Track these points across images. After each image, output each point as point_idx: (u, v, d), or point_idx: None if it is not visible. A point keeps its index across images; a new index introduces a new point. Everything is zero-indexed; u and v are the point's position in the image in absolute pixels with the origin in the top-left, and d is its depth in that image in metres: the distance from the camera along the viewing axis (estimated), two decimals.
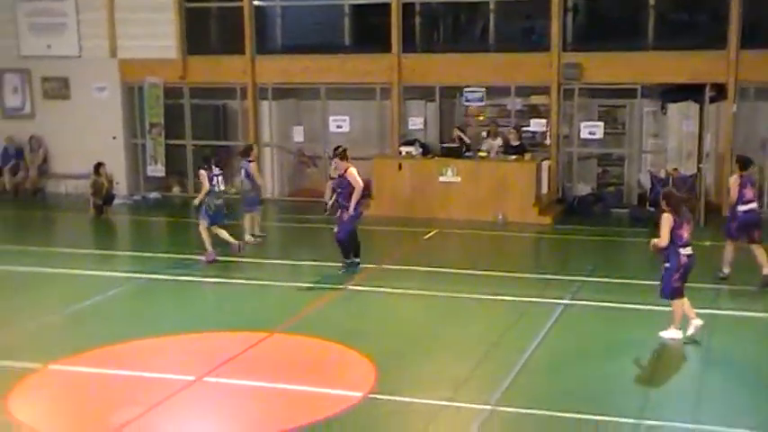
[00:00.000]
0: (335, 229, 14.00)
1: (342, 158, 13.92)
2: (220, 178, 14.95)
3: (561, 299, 12.41)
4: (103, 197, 19.33)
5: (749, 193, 13.00)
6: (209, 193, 14.68)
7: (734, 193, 13.00)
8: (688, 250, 10.51)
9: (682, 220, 10.44)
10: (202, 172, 14.89)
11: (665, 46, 18.65)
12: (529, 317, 11.76)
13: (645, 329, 11.20)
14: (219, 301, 12.91)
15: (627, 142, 19.79)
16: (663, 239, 10.39)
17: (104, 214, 19.18)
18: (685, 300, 10.69)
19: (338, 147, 14.45)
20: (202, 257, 14.66)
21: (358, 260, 14.04)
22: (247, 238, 15.97)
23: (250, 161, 16.23)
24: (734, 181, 13.07)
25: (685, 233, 10.47)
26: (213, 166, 14.90)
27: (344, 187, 13.82)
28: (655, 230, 16.98)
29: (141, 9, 20.84)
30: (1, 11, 21.80)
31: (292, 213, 19.45)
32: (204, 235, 14.73)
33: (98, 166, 19.47)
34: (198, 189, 15.70)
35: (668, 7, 19.48)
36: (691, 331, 10.58)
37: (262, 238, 16.37)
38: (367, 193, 14.28)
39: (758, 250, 12.93)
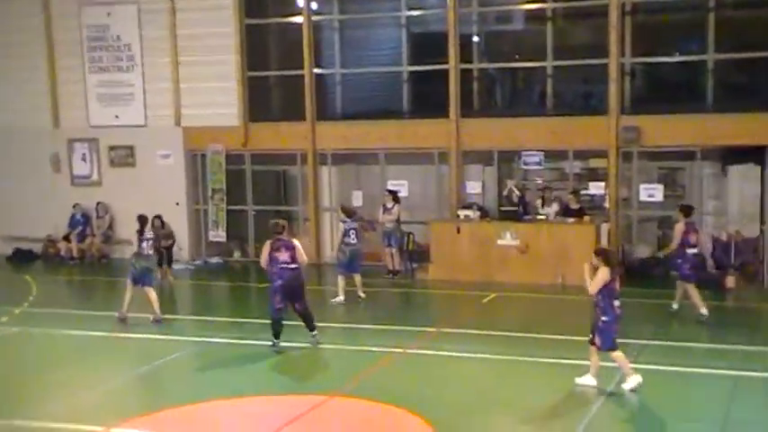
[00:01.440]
0: None
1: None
2: (151, 242, 15.56)
3: None
4: (161, 246, 19.52)
5: (693, 237, 14.78)
6: (137, 254, 15.42)
7: (678, 239, 14.69)
8: (618, 302, 11.09)
9: (615, 275, 11.06)
10: (137, 234, 15.69)
11: (725, 108, 18.53)
12: None
13: (709, 392, 11.05)
14: (278, 365, 12.99)
15: None
16: (593, 287, 10.99)
17: (166, 273, 19.42)
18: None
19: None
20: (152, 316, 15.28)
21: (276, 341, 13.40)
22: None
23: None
24: (679, 228, 14.82)
25: (617, 286, 11.10)
26: (147, 230, 15.64)
27: None
28: (718, 293, 16.95)
29: (205, 79, 21.40)
30: (73, 83, 22.60)
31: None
32: (128, 294, 15.33)
33: (154, 218, 19.73)
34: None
35: (728, 70, 19.44)
36: (586, 381, 11.21)
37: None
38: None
39: (693, 290, 14.74)
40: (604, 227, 18.71)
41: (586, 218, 18.41)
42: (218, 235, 22.02)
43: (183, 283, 19.93)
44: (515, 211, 18.78)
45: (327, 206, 21.51)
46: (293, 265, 12.98)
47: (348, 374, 12.05)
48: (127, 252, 21.90)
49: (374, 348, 13.43)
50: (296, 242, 13.17)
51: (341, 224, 17.07)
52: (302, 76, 20.99)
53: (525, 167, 20.08)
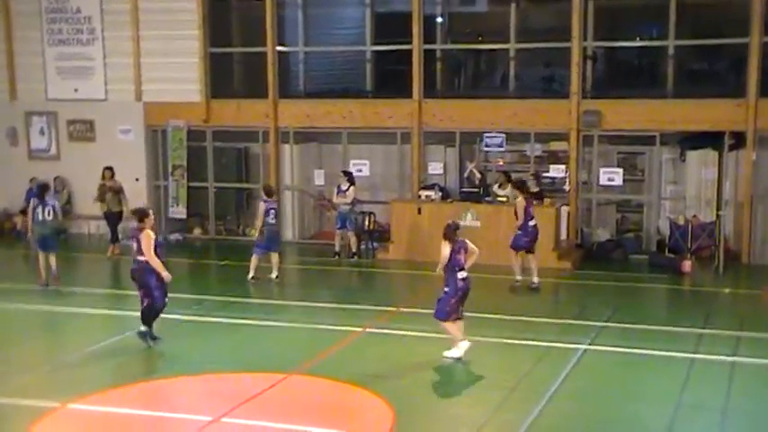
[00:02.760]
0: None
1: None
2: (48, 209, 15.80)
3: (580, 344, 12.34)
4: (109, 210, 19.39)
5: (532, 210, 15.92)
6: (34, 221, 15.78)
7: (521, 214, 15.85)
8: (463, 274, 11.66)
9: (458, 247, 11.63)
10: (34, 199, 16.02)
11: (684, 94, 18.66)
12: (548, 361, 11.69)
13: (664, 375, 11.14)
14: (238, 342, 12.90)
15: (646, 189, 19.76)
16: (440, 265, 11.61)
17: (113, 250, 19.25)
18: (460, 322, 11.73)
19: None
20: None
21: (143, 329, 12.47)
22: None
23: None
24: (521, 202, 15.90)
25: (462, 258, 11.62)
26: (45, 198, 15.93)
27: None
28: (675, 277, 17.12)
29: (166, 54, 21.08)
30: (31, 55, 22.14)
31: (311, 256, 19.48)
32: (39, 261, 15.89)
33: (105, 169, 19.73)
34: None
35: (688, 56, 19.56)
36: (458, 353, 11.62)
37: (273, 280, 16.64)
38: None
39: (534, 261, 15.94)
40: (564, 210, 18.80)
41: (547, 200, 18.44)
42: (179, 211, 21.78)
43: None
44: (476, 193, 18.74)
45: (289, 184, 21.35)
46: (139, 257, 12.30)
47: (308, 353, 11.98)
48: (84, 227, 21.82)
49: (334, 327, 13.36)
50: (145, 233, 12.26)
51: (261, 204, 16.58)
52: (265, 53, 20.75)
53: (487, 149, 20.06)
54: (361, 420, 9.78)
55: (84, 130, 22.14)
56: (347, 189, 18.71)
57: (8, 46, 22.29)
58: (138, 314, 12.47)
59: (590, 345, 12.38)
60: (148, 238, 12.24)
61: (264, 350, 12.45)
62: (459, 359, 11.57)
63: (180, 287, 15.96)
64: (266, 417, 9.73)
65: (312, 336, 13.04)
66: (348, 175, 19.01)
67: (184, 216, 21.80)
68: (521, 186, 16.36)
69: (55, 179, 21.96)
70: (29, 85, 22.36)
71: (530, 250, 16.04)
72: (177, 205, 21.75)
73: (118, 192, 19.62)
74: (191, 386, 10.91)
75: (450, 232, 11.78)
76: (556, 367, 11.28)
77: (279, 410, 9.98)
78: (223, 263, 18.98)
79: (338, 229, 18.95)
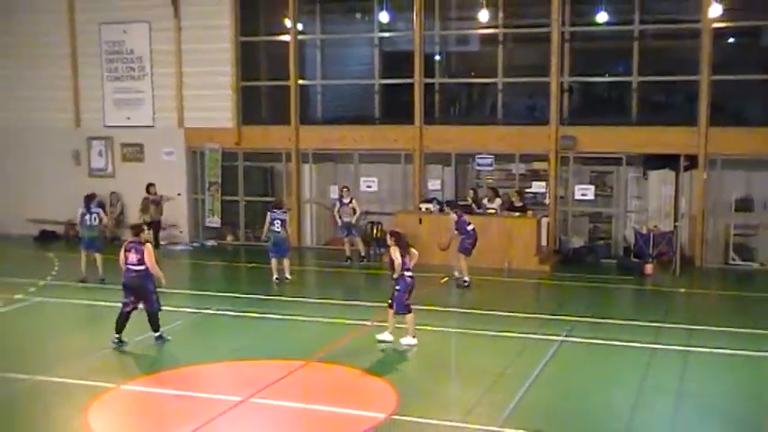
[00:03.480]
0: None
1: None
2: (94, 215, 16.24)
3: (558, 336, 12.32)
4: (151, 219, 19.46)
5: (467, 219, 16.00)
6: (82, 225, 16.35)
7: (451, 227, 15.90)
8: (410, 273, 11.80)
9: (405, 252, 11.72)
10: (81, 208, 16.37)
11: (646, 122, 18.69)
12: (530, 351, 11.68)
13: (629, 362, 11.14)
14: (264, 334, 12.92)
15: (614, 203, 19.73)
16: (397, 270, 11.66)
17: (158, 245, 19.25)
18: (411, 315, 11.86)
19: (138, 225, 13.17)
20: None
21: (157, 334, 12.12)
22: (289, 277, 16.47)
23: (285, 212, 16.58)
24: (453, 218, 15.93)
25: (408, 261, 11.75)
26: (92, 207, 16.37)
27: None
28: (639, 278, 17.07)
29: (204, 87, 21.18)
30: (92, 89, 22.27)
31: (326, 260, 19.50)
32: (82, 259, 16.35)
33: (149, 186, 19.95)
34: None
35: (649, 90, 19.60)
36: (385, 337, 11.90)
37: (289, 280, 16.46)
38: None
39: (464, 262, 15.89)
40: (544, 220, 18.78)
41: (529, 212, 18.45)
42: (214, 221, 21.84)
43: (183, 262, 19.73)
44: (469, 205, 18.75)
45: (308, 198, 21.40)
46: (137, 267, 11.69)
47: (323, 343, 11.98)
48: None
49: (346, 321, 13.36)
50: (147, 246, 11.81)
51: (268, 214, 16.41)
52: (288, 86, 20.84)
53: (479, 168, 20.10)
54: (369, 401, 9.78)
55: (135, 152, 22.24)
56: (350, 202, 18.70)
57: (75, 82, 22.45)
58: (145, 316, 12.23)
59: (566, 337, 12.36)
60: (150, 249, 11.87)
61: (286, 341, 12.46)
62: (408, 346, 11.72)
63: (214, 286, 16.06)
64: (288, 398, 9.76)
65: (327, 328, 13.04)
66: (349, 190, 19.07)
67: (218, 225, 21.85)
68: (453, 206, 16.56)
69: (111, 194, 22.07)
70: (90, 114, 22.48)
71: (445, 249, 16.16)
72: (213, 216, 21.81)
73: (159, 203, 19.86)
74: (224, 371, 10.94)
75: (403, 241, 11.84)
76: (537, 356, 11.27)
77: (299, 393, 10.01)
78: (251, 265, 19.01)
79: (345, 236, 18.94)
